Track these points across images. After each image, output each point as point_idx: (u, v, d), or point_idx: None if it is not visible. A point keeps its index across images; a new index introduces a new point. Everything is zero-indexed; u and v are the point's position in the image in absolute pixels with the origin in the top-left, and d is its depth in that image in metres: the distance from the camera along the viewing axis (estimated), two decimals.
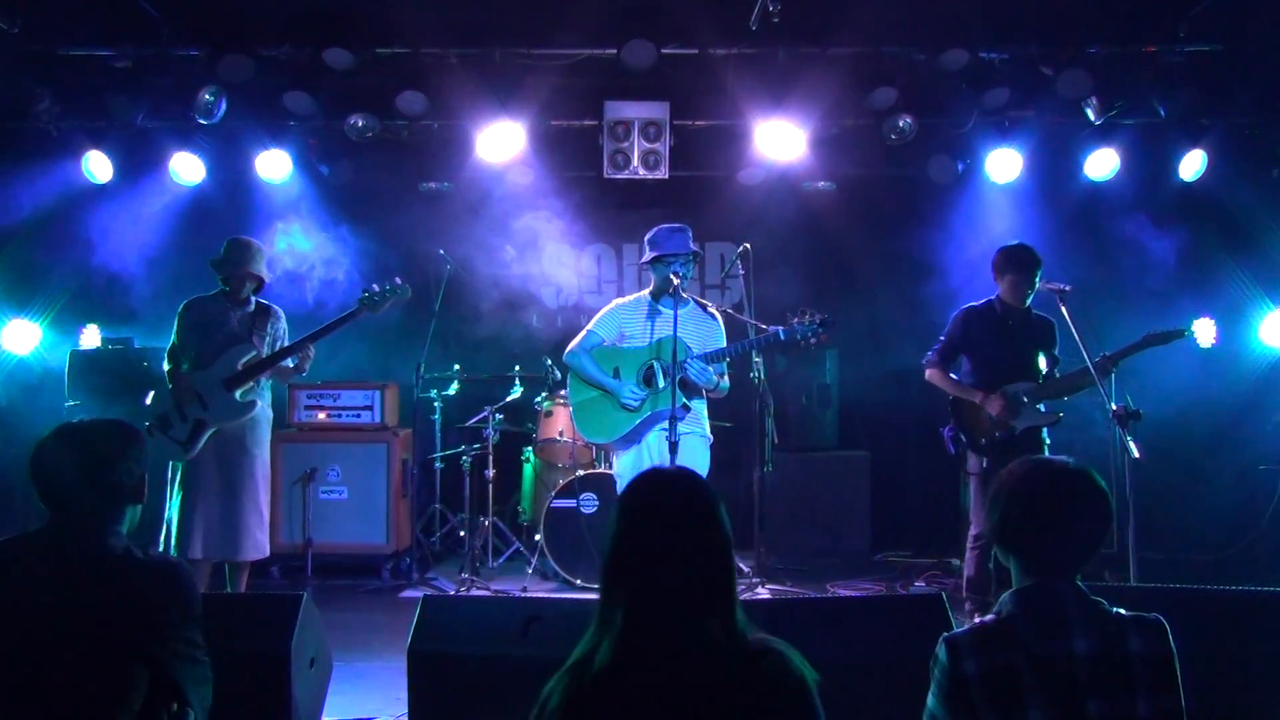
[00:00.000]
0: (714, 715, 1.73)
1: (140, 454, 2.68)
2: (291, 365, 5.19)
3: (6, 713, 2.35)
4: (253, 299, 5.25)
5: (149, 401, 5.16)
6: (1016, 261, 5.15)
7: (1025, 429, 5.08)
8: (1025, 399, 5.08)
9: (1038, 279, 5.13)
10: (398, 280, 5.27)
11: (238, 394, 5.03)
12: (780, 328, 4.56)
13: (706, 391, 4.75)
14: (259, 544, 5.15)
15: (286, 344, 5.24)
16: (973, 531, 5.23)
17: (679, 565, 1.80)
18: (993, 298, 5.31)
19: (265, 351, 5.15)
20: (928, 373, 5.41)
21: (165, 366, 5.22)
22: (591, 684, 1.75)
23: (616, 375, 4.78)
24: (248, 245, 5.22)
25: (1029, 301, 5.21)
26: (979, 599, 5.16)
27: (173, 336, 5.22)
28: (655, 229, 4.81)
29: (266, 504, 5.24)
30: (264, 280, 5.27)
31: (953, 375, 5.37)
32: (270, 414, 5.29)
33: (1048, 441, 5.18)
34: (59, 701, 2.36)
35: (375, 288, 5.21)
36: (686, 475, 1.98)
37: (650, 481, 1.96)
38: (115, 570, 2.52)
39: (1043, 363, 5.18)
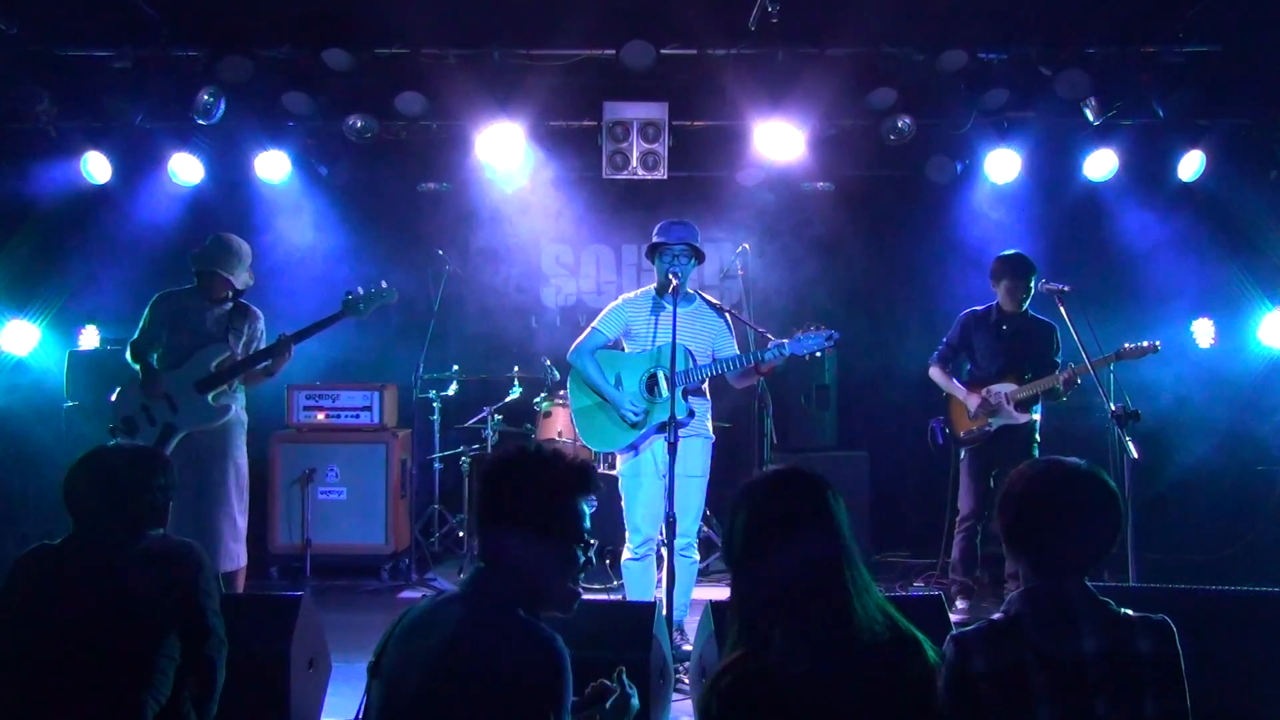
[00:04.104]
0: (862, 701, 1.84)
1: (165, 482, 2.85)
2: (261, 368, 4.94)
3: (38, 700, 2.56)
4: (230, 298, 5.00)
5: (113, 399, 4.90)
6: (1010, 269, 5.51)
7: (1001, 427, 5.50)
8: (1004, 400, 5.45)
9: (1033, 285, 5.45)
10: (383, 284, 5.08)
11: (210, 397, 4.80)
12: (786, 341, 4.54)
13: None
14: (232, 553, 4.90)
15: (263, 347, 5.01)
16: (959, 515, 5.68)
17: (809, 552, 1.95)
18: (993, 303, 5.67)
19: (240, 352, 4.93)
20: (931, 370, 5.82)
21: (129, 359, 4.91)
22: (760, 680, 1.86)
23: (618, 384, 4.74)
24: (227, 246, 4.97)
25: (1025, 306, 5.54)
26: (962, 581, 5.64)
27: (140, 328, 4.95)
28: (662, 221, 4.79)
29: (242, 512, 4.98)
30: (236, 289, 4.98)
31: (955, 378, 5.75)
32: (245, 418, 5.06)
33: (1038, 440, 5.51)
34: (89, 682, 2.57)
35: (360, 290, 5.03)
36: (800, 473, 2.10)
37: (772, 483, 2.09)
38: (137, 567, 2.71)
39: (1029, 369, 5.49)
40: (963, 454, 5.69)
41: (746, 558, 2.00)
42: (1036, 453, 5.46)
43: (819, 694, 1.83)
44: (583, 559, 2.15)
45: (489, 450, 6.64)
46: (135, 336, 4.97)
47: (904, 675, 1.87)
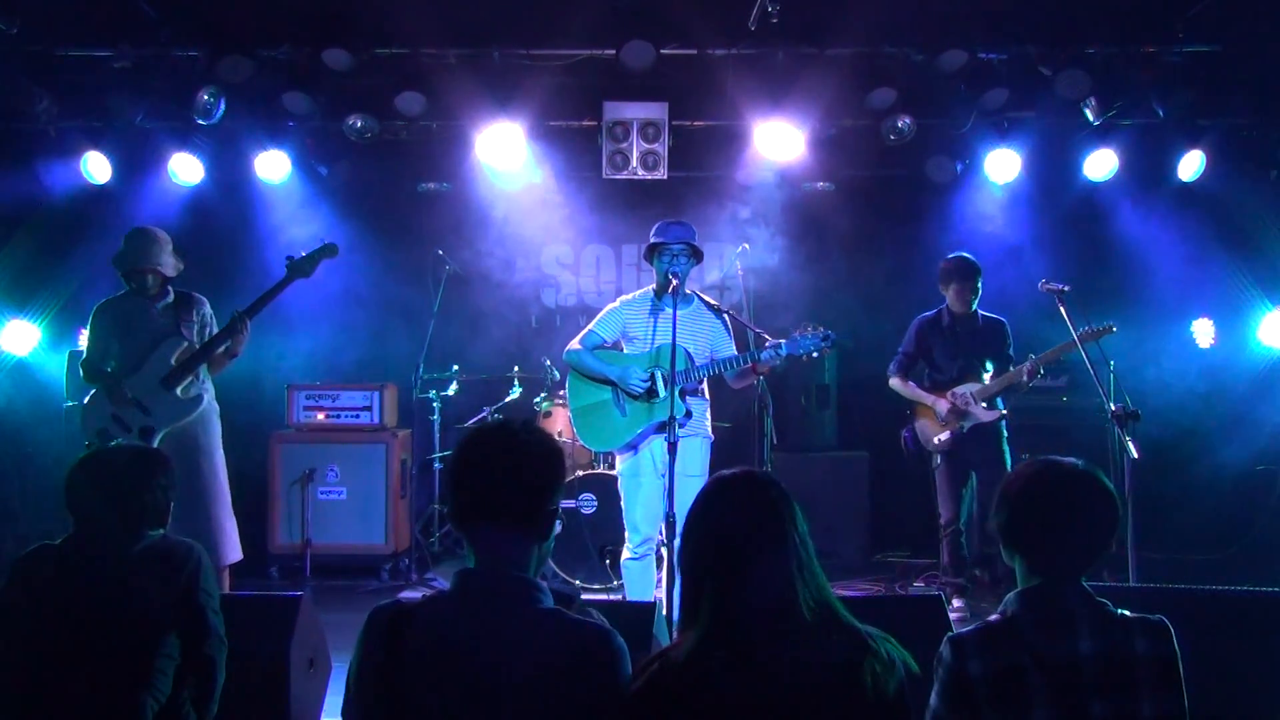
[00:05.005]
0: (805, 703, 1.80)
1: (165, 482, 2.86)
2: (222, 350, 4.88)
3: (38, 700, 2.59)
4: (170, 290, 4.94)
5: (82, 415, 4.80)
6: (958, 272, 5.65)
7: (972, 427, 5.58)
8: (970, 400, 5.57)
9: (980, 285, 5.63)
10: (322, 240, 5.09)
11: (178, 391, 4.76)
12: (783, 341, 4.54)
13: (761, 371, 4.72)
14: (236, 544, 4.90)
15: (216, 330, 4.95)
16: (942, 521, 5.78)
17: (757, 558, 1.91)
18: (942, 307, 5.80)
19: (197, 341, 4.88)
20: (891, 381, 5.89)
21: (83, 376, 4.88)
22: (679, 669, 1.84)
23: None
24: (145, 235, 4.87)
25: (975, 306, 5.69)
26: (954, 582, 5.73)
27: (89, 345, 4.90)
28: (659, 222, 4.78)
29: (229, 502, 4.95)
30: (167, 276, 4.89)
31: (911, 383, 5.85)
32: (217, 407, 5.01)
33: (1005, 435, 5.64)
34: (89, 681, 2.59)
35: (302, 253, 4.98)
36: (750, 475, 2.07)
37: (720, 488, 2.05)
38: (137, 567, 2.73)
39: (988, 365, 5.65)
40: (937, 460, 5.74)
41: (695, 562, 1.97)
42: (1007, 447, 5.62)
43: (751, 693, 1.81)
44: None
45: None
46: (87, 355, 4.90)
47: (850, 675, 1.83)
